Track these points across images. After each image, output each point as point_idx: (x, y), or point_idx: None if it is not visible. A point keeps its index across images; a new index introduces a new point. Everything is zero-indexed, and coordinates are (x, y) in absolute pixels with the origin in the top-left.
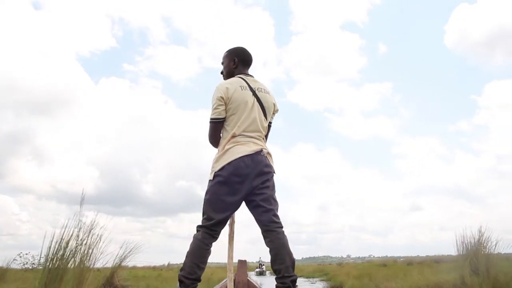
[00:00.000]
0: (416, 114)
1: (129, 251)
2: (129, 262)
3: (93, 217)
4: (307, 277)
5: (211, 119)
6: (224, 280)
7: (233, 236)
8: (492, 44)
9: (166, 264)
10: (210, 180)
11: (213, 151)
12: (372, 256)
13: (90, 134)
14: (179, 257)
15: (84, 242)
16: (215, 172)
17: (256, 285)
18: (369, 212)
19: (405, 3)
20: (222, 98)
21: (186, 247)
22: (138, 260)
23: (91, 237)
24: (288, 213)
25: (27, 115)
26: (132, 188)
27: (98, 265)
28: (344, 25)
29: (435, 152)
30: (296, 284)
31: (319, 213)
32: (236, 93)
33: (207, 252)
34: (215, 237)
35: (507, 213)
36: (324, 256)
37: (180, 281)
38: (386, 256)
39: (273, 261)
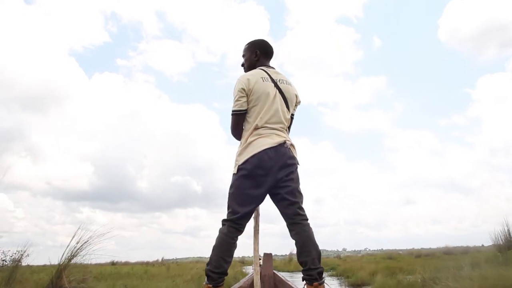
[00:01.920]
0: (410, 108)
1: (85, 242)
2: (86, 257)
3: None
4: None
5: (233, 111)
6: (251, 274)
7: (258, 229)
8: (485, 37)
9: (160, 259)
10: (234, 174)
11: (207, 146)
12: (367, 250)
13: (84, 130)
14: (174, 253)
15: None
16: (238, 166)
17: (283, 278)
18: (363, 205)
19: None
20: (244, 89)
21: (181, 243)
22: (132, 256)
23: None
24: None
25: (20, 111)
26: (127, 183)
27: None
28: (339, 19)
29: (428, 145)
30: (323, 276)
31: (315, 206)
32: (257, 85)
33: (233, 245)
34: (240, 230)
35: (499, 205)
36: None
37: (207, 275)
38: (382, 249)
39: (299, 253)
